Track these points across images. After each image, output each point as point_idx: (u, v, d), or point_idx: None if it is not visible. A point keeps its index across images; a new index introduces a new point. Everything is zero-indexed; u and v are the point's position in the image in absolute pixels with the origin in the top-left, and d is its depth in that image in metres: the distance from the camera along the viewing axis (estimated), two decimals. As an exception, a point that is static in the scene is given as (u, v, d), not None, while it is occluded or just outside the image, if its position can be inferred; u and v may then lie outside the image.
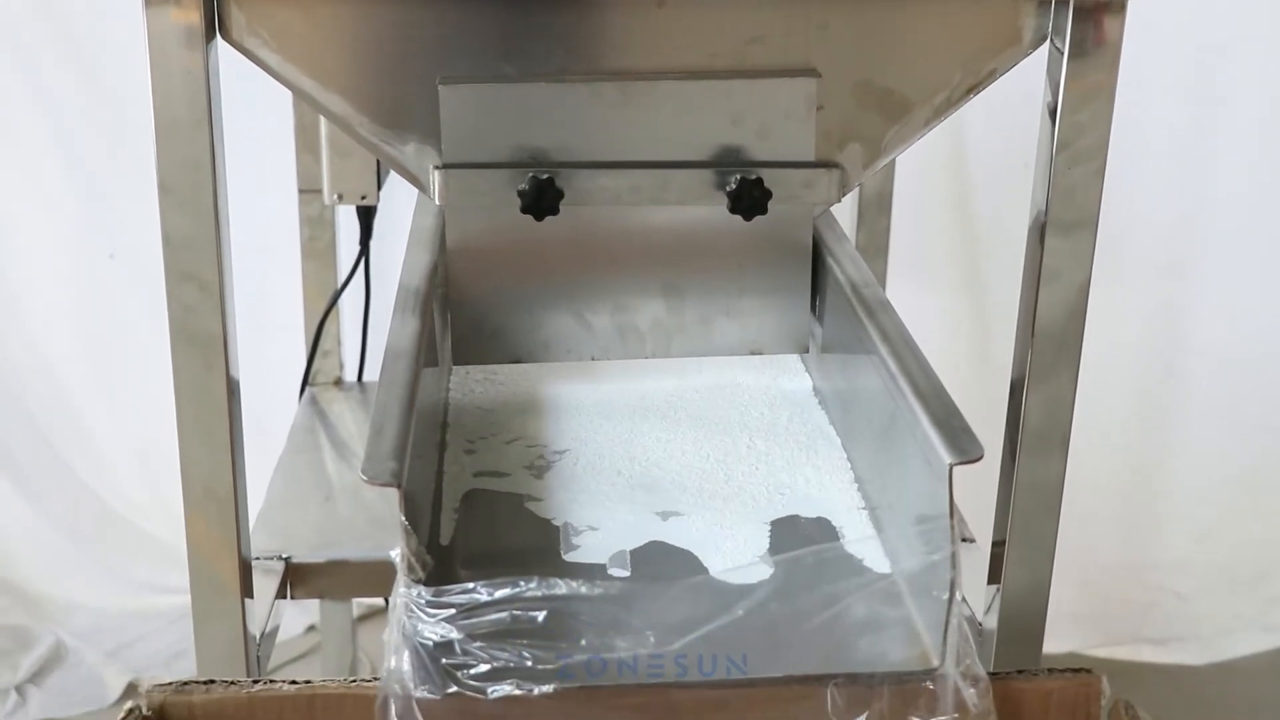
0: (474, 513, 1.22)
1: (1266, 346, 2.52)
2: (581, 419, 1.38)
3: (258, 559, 1.43)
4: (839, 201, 1.25)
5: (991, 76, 1.17)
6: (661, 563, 1.15)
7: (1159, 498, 2.61)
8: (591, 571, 1.12)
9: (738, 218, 1.21)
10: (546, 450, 1.32)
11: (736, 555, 1.16)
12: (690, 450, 1.32)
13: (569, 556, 1.15)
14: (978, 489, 1.24)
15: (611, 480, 1.27)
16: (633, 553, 1.16)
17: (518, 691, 0.95)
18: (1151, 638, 2.57)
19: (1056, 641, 2.42)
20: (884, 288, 1.47)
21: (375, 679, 0.99)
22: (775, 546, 1.16)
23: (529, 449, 1.32)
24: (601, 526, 1.19)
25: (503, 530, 1.21)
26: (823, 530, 1.20)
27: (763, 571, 1.10)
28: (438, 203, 1.21)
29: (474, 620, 0.96)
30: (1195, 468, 2.58)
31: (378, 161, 1.81)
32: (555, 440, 1.33)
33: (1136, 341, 2.50)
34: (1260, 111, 2.38)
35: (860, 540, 1.15)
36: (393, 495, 0.94)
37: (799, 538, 1.18)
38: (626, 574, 1.13)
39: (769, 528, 1.19)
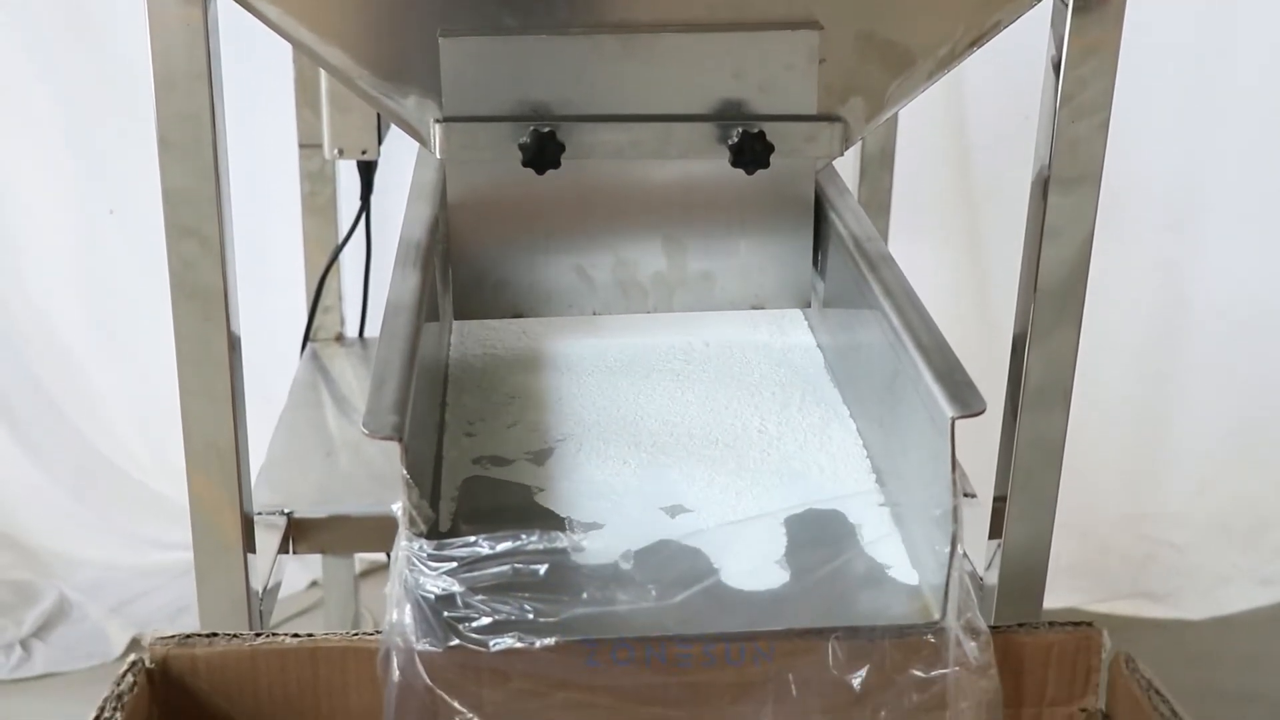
0: (473, 502, 1.17)
1: (1266, 303, 2.52)
2: (584, 398, 1.32)
3: (260, 514, 1.43)
4: (841, 155, 1.24)
5: (995, 29, 1.16)
6: (671, 566, 1.07)
7: (1158, 452, 2.62)
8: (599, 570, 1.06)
9: (739, 171, 1.20)
10: (549, 434, 1.26)
11: (751, 558, 1.08)
12: (699, 434, 1.26)
13: (575, 558, 1.08)
14: (979, 445, 1.24)
15: (617, 470, 1.21)
16: (640, 552, 1.09)
17: (519, 644, 0.96)
18: (1150, 592, 2.58)
19: (1056, 597, 2.43)
20: (886, 244, 1.46)
21: (377, 632, 0.99)
22: (792, 551, 1.09)
23: (530, 433, 1.26)
24: (607, 522, 1.13)
25: (503, 523, 1.10)
26: (842, 532, 1.12)
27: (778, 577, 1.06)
28: (438, 156, 1.20)
29: (475, 573, 0.96)
30: (1194, 422, 2.59)
31: (378, 116, 1.80)
32: (557, 423, 1.28)
33: (1137, 297, 2.50)
34: (1265, 69, 2.36)
35: (879, 540, 1.10)
36: (394, 449, 0.94)
37: (816, 539, 1.11)
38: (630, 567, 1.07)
39: (784, 528, 1.13)
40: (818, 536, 1.11)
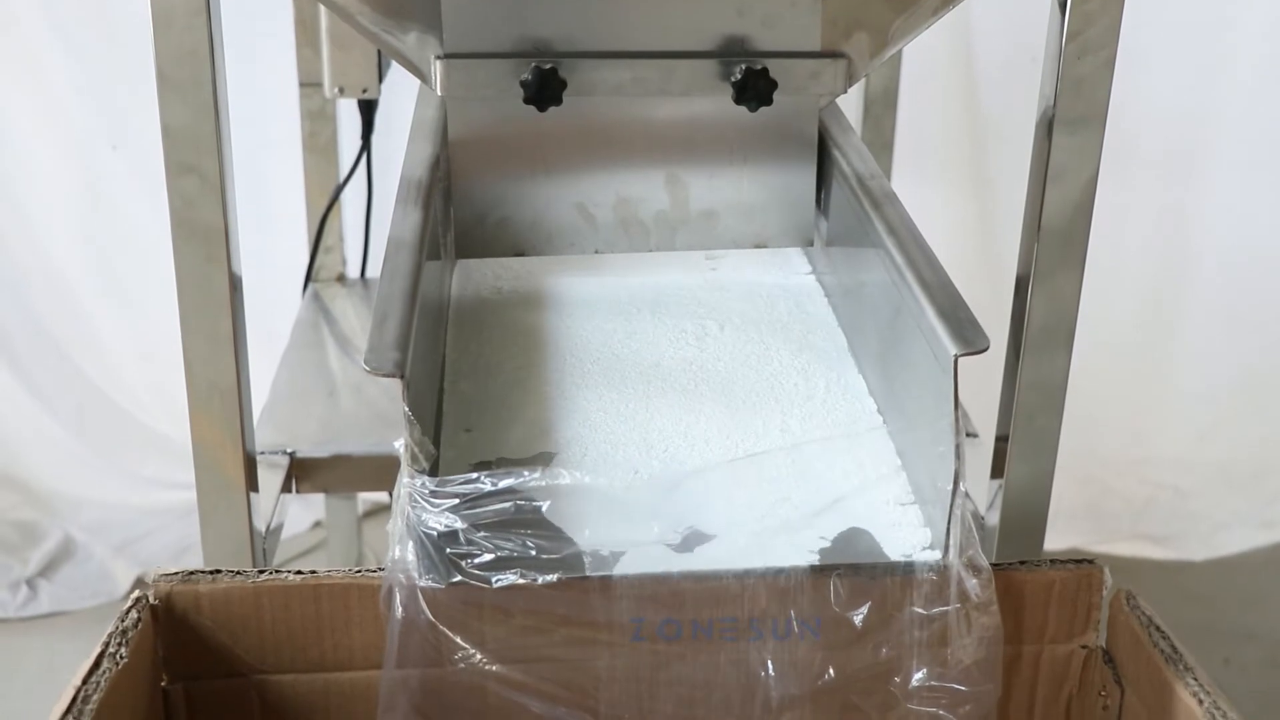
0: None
1: (1270, 248, 2.51)
2: (588, 390, 1.22)
3: (262, 454, 1.43)
4: (845, 92, 1.24)
5: (1001, -36, 1.15)
6: None
7: (1160, 396, 2.62)
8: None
9: (743, 109, 1.19)
10: (551, 434, 1.16)
11: None
12: (714, 437, 1.15)
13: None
14: (982, 385, 1.24)
15: (626, 476, 1.11)
16: None
17: (521, 581, 0.96)
18: (1151, 534, 2.59)
19: (1057, 538, 2.45)
20: (890, 183, 1.45)
21: (380, 569, 0.99)
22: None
23: (531, 430, 1.16)
24: (617, 544, 1.02)
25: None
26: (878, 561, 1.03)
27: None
28: (439, 94, 1.20)
29: (478, 510, 0.96)
30: (1197, 366, 2.59)
31: (379, 54, 1.79)
32: (561, 420, 1.17)
33: (1141, 240, 2.49)
34: (1273, 10, 2.34)
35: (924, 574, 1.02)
36: (396, 386, 0.94)
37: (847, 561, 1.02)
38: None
39: (816, 559, 1.02)
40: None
